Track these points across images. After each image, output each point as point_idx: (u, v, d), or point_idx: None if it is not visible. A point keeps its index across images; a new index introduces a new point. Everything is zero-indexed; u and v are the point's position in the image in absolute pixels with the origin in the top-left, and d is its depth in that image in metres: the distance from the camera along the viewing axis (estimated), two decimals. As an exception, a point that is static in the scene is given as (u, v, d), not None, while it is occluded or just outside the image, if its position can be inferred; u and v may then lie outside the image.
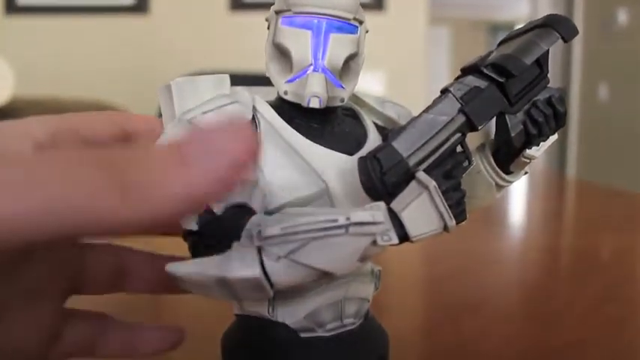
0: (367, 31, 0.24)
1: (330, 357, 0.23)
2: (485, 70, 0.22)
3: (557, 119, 0.23)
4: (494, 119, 0.22)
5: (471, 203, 0.23)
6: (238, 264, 0.18)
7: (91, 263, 0.25)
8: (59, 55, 2.32)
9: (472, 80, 0.22)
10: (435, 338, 0.32)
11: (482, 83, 0.22)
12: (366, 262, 0.22)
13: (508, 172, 0.24)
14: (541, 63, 0.22)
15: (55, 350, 0.23)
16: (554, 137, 0.23)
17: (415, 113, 0.23)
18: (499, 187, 0.24)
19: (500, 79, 0.21)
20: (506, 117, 0.22)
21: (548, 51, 0.22)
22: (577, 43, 3.43)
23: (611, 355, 0.29)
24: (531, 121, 0.22)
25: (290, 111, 0.23)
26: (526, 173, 0.25)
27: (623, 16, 2.96)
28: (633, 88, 2.86)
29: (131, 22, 2.33)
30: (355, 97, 0.26)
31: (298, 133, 0.23)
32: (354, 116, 0.26)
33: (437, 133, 0.21)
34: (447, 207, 0.21)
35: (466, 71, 0.23)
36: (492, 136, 0.23)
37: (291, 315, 0.22)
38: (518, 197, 0.89)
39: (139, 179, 0.14)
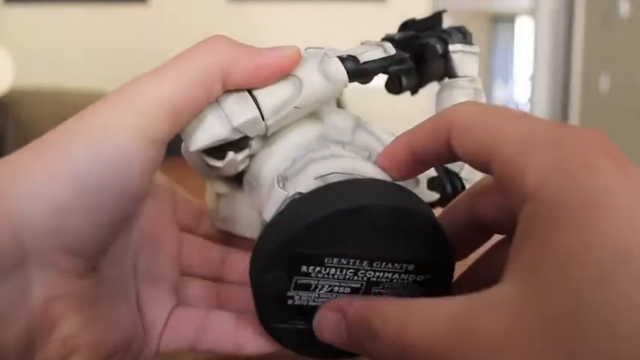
0: None
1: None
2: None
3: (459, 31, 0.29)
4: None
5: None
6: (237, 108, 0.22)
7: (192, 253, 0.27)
8: (58, 44, 2.31)
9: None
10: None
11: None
12: (335, 87, 0.24)
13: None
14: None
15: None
16: (469, 43, 0.29)
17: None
18: (462, 89, 0.28)
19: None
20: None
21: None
22: (578, 34, 3.42)
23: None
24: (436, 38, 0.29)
25: None
26: (476, 80, 0.30)
27: (624, 7, 2.95)
28: (634, 80, 2.85)
29: (131, 11, 2.32)
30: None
31: None
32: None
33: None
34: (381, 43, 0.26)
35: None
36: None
37: (301, 182, 0.22)
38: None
39: (249, 49, 0.22)
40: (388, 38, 0.29)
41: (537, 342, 0.14)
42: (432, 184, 0.28)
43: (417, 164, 0.22)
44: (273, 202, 0.22)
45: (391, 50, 0.25)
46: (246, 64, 0.21)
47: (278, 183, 0.22)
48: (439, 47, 0.28)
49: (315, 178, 0.22)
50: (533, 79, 3.82)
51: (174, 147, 0.25)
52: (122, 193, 0.19)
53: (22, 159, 0.18)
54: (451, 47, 0.28)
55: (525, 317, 0.15)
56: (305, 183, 0.22)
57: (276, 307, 0.22)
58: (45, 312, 0.18)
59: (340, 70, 0.23)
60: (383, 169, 0.23)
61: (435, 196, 0.28)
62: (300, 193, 0.22)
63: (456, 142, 0.19)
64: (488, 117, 0.19)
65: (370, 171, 0.23)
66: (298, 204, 0.21)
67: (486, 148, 0.18)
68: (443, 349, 0.16)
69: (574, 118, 3.49)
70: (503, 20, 6.19)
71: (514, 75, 6.57)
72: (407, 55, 0.27)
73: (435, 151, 0.21)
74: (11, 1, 2.35)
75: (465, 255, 0.24)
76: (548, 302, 0.14)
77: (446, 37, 0.29)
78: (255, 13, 2.26)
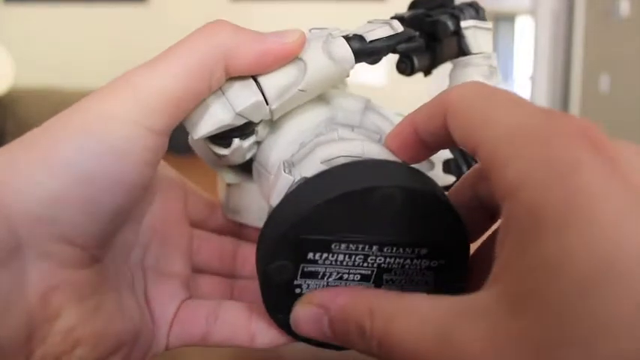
0: None
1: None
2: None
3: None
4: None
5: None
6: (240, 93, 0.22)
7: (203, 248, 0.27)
8: (58, 44, 2.31)
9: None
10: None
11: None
12: (340, 67, 0.23)
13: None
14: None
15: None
16: (482, 18, 0.29)
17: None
18: (477, 66, 0.28)
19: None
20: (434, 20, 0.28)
21: None
22: (578, 34, 3.42)
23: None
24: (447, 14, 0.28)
25: None
26: (492, 55, 0.29)
27: (625, 7, 2.95)
28: (635, 80, 2.85)
29: (131, 11, 2.32)
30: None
31: None
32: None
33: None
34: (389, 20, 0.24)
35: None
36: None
37: (307, 167, 0.22)
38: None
39: (252, 34, 0.21)
40: (397, 17, 0.28)
41: (515, 355, 0.14)
42: (447, 166, 0.27)
43: (422, 146, 0.21)
44: (279, 189, 0.21)
45: (399, 28, 0.24)
46: (250, 51, 0.21)
47: (284, 169, 0.22)
48: (451, 24, 0.27)
49: (322, 162, 0.21)
50: (533, 78, 3.82)
51: (185, 144, 0.25)
52: (121, 183, 0.19)
53: (15, 149, 0.18)
54: (463, 24, 0.27)
55: (504, 328, 0.14)
56: (311, 168, 0.21)
57: (284, 297, 0.21)
58: (44, 303, 0.18)
59: (346, 50, 0.22)
60: (392, 151, 0.22)
61: (450, 179, 0.27)
62: (305, 178, 0.21)
63: (450, 126, 0.19)
64: (481, 102, 0.18)
65: (380, 153, 0.22)
66: (302, 189, 0.20)
67: (474, 136, 0.17)
68: (424, 352, 0.16)
69: (574, 117, 3.49)
70: (503, 20, 6.19)
71: (514, 74, 6.56)
72: (416, 33, 0.26)
73: (435, 133, 0.20)
74: (11, 0, 2.35)
75: (474, 239, 0.23)
76: (527, 315, 0.14)
77: (458, 13, 0.28)
78: (257, 13, 2.26)
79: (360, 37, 0.23)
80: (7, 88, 1.63)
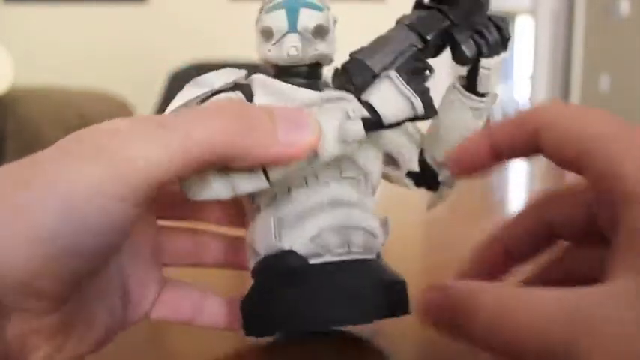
0: (336, 21, 0.27)
1: (339, 278, 0.25)
2: (429, 3, 0.26)
3: (499, 31, 0.26)
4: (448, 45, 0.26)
5: (461, 135, 0.26)
6: None
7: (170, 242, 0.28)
8: (58, 43, 2.31)
9: (417, 12, 0.26)
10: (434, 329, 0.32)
11: (425, 13, 0.26)
12: (350, 147, 0.24)
13: (479, 96, 0.27)
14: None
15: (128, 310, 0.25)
16: (504, 53, 0.26)
17: None
18: (475, 110, 0.27)
19: (442, 7, 0.25)
20: (455, 35, 0.25)
21: None
22: (578, 33, 3.42)
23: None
24: (478, 34, 0.26)
25: (279, 75, 0.26)
26: (497, 96, 0.28)
27: (625, 7, 2.95)
28: (635, 79, 2.85)
29: (130, 10, 2.32)
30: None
31: (289, 84, 0.26)
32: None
33: (394, 46, 0.25)
34: (411, 90, 0.24)
35: (414, 8, 0.27)
36: (459, 75, 0.27)
37: (297, 239, 0.24)
38: (519, 187, 0.89)
39: (262, 133, 0.20)
40: (409, 23, 0.25)
41: None
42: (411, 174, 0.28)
43: (494, 158, 0.23)
44: (265, 245, 0.25)
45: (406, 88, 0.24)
46: (259, 156, 0.20)
47: (274, 235, 0.24)
48: (469, 53, 0.25)
49: (310, 241, 0.24)
50: (533, 78, 3.82)
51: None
52: (99, 253, 0.20)
53: (1, 217, 0.18)
54: (484, 62, 0.26)
55: None
56: (301, 244, 0.24)
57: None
58: (21, 345, 0.19)
59: (361, 133, 0.23)
60: (458, 160, 0.24)
61: (410, 185, 0.28)
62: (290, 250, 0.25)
63: (545, 140, 0.20)
64: (578, 116, 0.20)
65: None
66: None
67: (577, 147, 0.19)
68: (561, 335, 0.16)
69: (574, 117, 3.49)
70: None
71: (514, 74, 6.56)
72: (428, 67, 0.25)
73: (517, 147, 0.22)
74: (11, 0, 2.35)
75: (528, 259, 0.26)
76: None
77: (480, 42, 0.25)
78: (256, 12, 2.26)
79: (373, 111, 0.23)
80: (7, 88, 1.63)
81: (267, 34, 0.26)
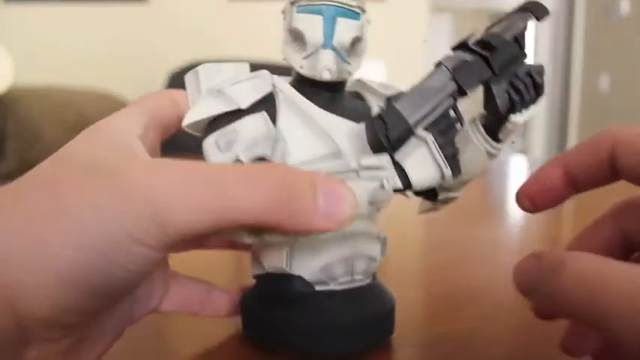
0: (369, 22, 0.27)
1: (342, 307, 0.26)
2: (472, 46, 0.25)
3: (536, 88, 0.25)
4: (481, 91, 0.25)
5: (467, 170, 0.26)
6: None
7: None
8: (58, 43, 2.31)
9: (461, 55, 0.25)
10: (434, 327, 0.32)
11: (469, 57, 0.25)
12: (374, 208, 0.25)
13: (498, 141, 0.26)
14: (520, 42, 0.25)
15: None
16: (537, 109, 0.26)
17: None
18: (490, 154, 0.26)
19: (485, 53, 0.24)
20: (492, 87, 0.25)
21: (525, 30, 0.25)
22: (578, 33, 3.42)
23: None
24: (514, 89, 0.25)
25: (305, 88, 0.26)
26: (513, 143, 0.27)
27: (625, 6, 2.95)
28: (634, 79, 2.85)
29: (131, 10, 2.32)
30: (361, 83, 0.29)
31: (313, 104, 0.26)
32: (360, 98, 0.29)
33: (432, 97, 0.24)
34: (443, 157, 0.24)
35: (456, 48, 0.26)
36: (482, 110, 0.26)
37: (306, 268, 0.25)
38: (518, 186, 0.89)
39: (304, 205, 0.20)
40: (454, 71, 0.25)
41: None
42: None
43: (569, 186, 0.23)
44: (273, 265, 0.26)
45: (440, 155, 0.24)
46: (296, 227, 0.20)
47: (285, 263, 0.25)
48: (502, 107, 0.25)
49: (320, 271, 0.26)
50: (533, 78, 3.80)
51: (183, 143, 0.26)
52: (122, 289, 0.20)
53: (25, 254, 0.18)
54: (513, 119, 0.25)
55: None
56: (310, 273, 0.25)
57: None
58: None
59: (389, 198, 0.24)
60: (529, 194, 0.24)
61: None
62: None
63: (625, 161, 0.20)
64: None
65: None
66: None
67: None
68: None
69: (574, 117, 3.49)
70: (503, 19, 6.16)
71: (514, 74, 6.54)
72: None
73: (593, 170, 0.22)
74: (11, 0, 2.35)
75: None
76: None
77: (516, 99, 0.25)
78: (256, 12, 2.26)
79: (404, 176, 0.24)
80: (7, 88, 1.63)
81: (297, 37, 0.26)
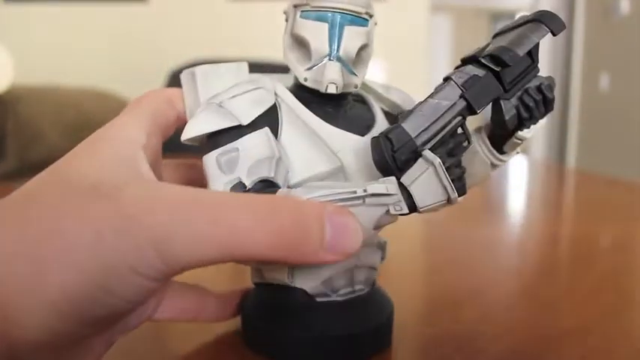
0: (376, 24, 0.26)
1: (342, 319, 0.26)
2: (483, 60, 0.24)
3: (546, 104, 0.25)
4: (490, 104, 0.24)
5: (470, 181, 0.25)
6: None
7: None
8: (58, 43, 2.31)
9: (471, 69, 0.24)
10: (434, 324, 0.32)
11: (480, 72, 0.24)
12: (379, 230, 0.25)
13: (502, 152, 0.26)
14: (532, 54, 0.24)
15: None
16: (543, 121, 0.25)
17: (417, 100, 0.25)
18: (494, 165, 0.26)
19: (497, 69, 0.23)
20: (502, 102, 0.24)
21: (538, 43, 0.24)
22: (578, 32, 3.41)
23: (610, 342, 0.30)
24: (523, 106, 0.24)
25: (307, 96, 0.25)
26: (517, 153, 0.27)
27: (625, 6, 2.94)
28: (634, 78, 2.85)
29: (131, 10, 2.32)
30: (363, 84, 0.28)
31: (316, 116, 0.25)
32: (363, 102, 0.28)
33: (441, 117, 0.23)
34: (450, 181, 0.23)
35: (466, 61, 0.25)
36: (489, 120, 0.25)
37: (309, 281, 0.25)
38: (518, 186, 0.89)
39: (312, 241, 0.19)
40: (464, 88, 0.24)
41: None
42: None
43: None
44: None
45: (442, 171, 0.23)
46: (302, 261, 0.20)
47: (288, 277, 0.25)
48: (510, 123, 0.24)
49: (322, 284, 0.26)
50: (533, 77, 3.80)
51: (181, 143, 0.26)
52: (118, 314, 0.20)
53: (21, 276, 0.18)
54: (521, 133, 0.25)
55: None
56: (312, 286, 0.26)
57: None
58: None
59: (393, 221, 0.24)
60: None
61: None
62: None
63: None
64: None
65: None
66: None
67: None
68: None
69: (574, 116, 3.49)
70: (503, 18, 6.18)
71: (514, 73, 6.54)
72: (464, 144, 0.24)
73: None
74: (11, 0, 2.35)
75: None
76: None
77: (525, 116, 0.24)
78: (256, 12, 2.26)
79: (410, 199, 0.23)
80: (7, 87, 1.63)
81: (301, 44, 0.25)
